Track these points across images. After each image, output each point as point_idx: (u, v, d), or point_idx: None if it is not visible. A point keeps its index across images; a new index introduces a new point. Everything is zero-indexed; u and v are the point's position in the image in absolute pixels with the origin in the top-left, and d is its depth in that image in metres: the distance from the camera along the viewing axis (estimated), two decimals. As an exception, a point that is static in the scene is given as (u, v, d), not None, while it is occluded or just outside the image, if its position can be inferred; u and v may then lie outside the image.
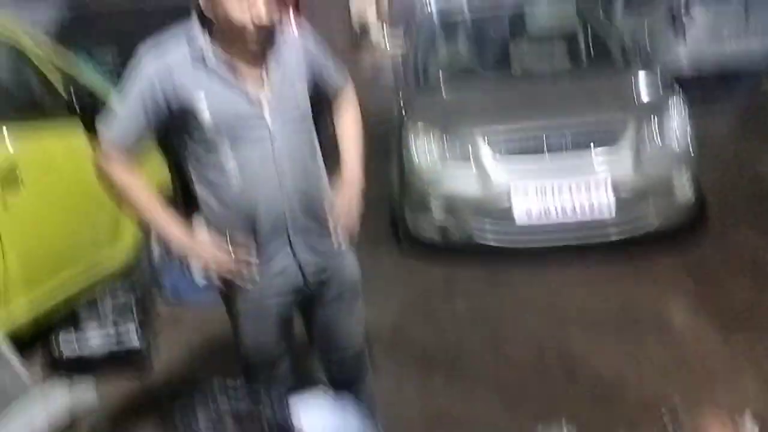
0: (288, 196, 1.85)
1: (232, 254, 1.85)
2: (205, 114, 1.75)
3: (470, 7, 6.16)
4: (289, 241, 1.89)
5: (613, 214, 3.88)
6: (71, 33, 5.53)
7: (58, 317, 3.16)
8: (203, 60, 1.76)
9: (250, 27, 1.72)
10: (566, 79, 4.88)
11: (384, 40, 23.10)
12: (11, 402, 2.46)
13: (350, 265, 2.08)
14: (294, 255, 1.91)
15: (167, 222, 1.86)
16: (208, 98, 1.76)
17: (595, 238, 3.97)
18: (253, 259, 1.87)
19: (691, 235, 4.14)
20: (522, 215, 3.89)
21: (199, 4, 1.76)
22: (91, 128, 3.08)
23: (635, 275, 3.88)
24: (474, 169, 3.96)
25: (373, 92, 7.78)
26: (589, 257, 4.06)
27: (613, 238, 3.97)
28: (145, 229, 3.57)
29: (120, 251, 3.51)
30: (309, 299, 2.03)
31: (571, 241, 3.96)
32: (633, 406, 2.73)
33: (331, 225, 1.97)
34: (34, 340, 3.11)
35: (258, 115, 1.80)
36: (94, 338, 3.11)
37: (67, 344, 3.05)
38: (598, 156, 3.92)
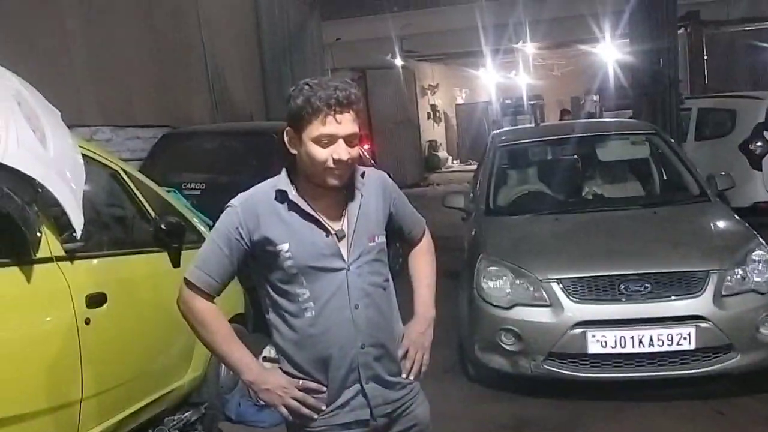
0: (359, 327, 1.89)
1: (299, 387, 1.89)
2: (284, 246, 1.85)
3: (540, 133, 6.31)
4: (358, 372, 1.91)
5: (693, 347, 3.68)
6: (163, 164, 5.96)
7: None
8: (285, 197, 1.89)
9: (331, 164, 1.83)
10: (640, 211, 4.79)
11: (454, 165, 23.77)
12: None
13: (421, 402, 2.07)
14: (362, 386, 1.92)
15: (240, 354, 1.93)
16: (288, 234, 1.86)
17: (674, 371, 3.75)
18: (322, 395, 1.90)
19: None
20: (596, 348, 3.74)
21: (291, 157, 1.90)
22: (177, 258, 3.24)
23: (721, 420, 3.65)
24: (548, 310, 3.84)
25: (443, 216, 7.92)
26: (671, 396, 3.85)
27: (694, 372, 3.75)
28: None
29: (191, 376, 3.56)
30: None
31: (649, 374, 3.77)
32: None
33: (401, 357, 2.00)
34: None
35: (334, 249, 1.89)
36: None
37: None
38: (678, 306, 3.74)
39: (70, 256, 2.77)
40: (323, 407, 1.90)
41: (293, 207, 1.88)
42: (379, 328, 1.94)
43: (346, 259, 1.89)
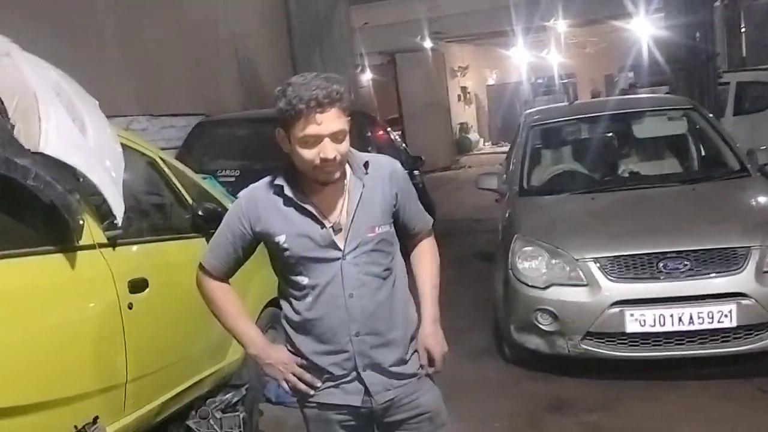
0: (352, 315, 1.96)
1: (298, 363, 2.02)
2: (283, 240, 1.95)
3: (574, 111, 6.22)
4: (354, 359, 1.98)
5: (735, 324, 3.63)
6: (198, 152, 6.04)
7: (169, 422, 3.27)
8: (282, 191, 1.97)
9: (318, 162, 1.87)
10: (678, 187, 4.71)
11: (485, 147, 23.59)
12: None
13: (428, 392, 2.10)
14: (358, 373, 1.99)
15: (246, 329, 2.11)
16: (285, 227, 1.95)
17: (714, 350, 3.71)
18: (315, 378, 2.00)
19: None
20: (635, 326, 3.70)
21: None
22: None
23: (763, 398, 3.59)
24: (585, 289, 3.81)
25: (476, 198, 7.88)
26: (710, 374, 3.81)
27: (734, 351, 3.70)
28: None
29: (231, 358, 3.62)
30: (385, 424, 2.08)
31: (688, 353, 3.73)
32: None
33: (421, 363, 2.06)
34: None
35: (330, 241, 1.95)
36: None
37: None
38: (719, 283, 3.68)
39: (112, 242, 2.83)
40: (318, 384, 2.00)
41: (289, 201, 1.95)
42: (376, 317, 1.98)
43: (342, 250, 1.94)
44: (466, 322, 5.03)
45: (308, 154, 1.85)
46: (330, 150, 1.84)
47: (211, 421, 3.30)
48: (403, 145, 9.85)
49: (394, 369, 2.02)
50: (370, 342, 1.98)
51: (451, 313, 5.10)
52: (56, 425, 2.49)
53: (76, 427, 2.52)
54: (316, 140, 1.84)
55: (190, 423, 3.30)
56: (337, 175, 1.92)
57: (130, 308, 2.81)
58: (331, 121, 1.83)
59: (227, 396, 3.51)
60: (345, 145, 1.89)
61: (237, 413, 3.39)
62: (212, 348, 3.50)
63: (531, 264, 4.03)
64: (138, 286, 2.88)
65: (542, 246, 4.04)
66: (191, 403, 3.38)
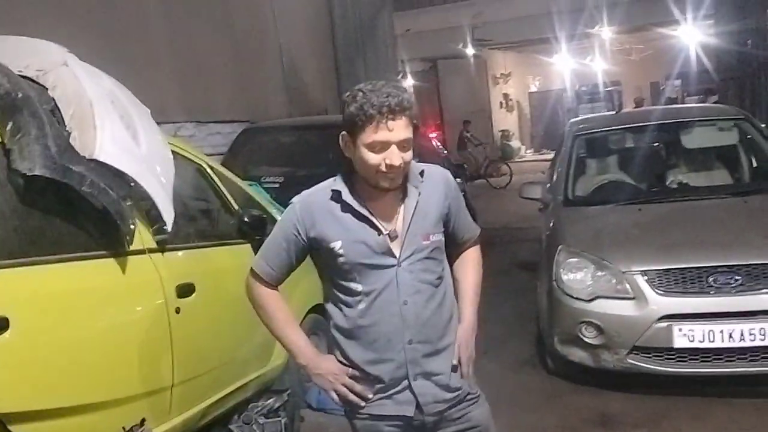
0: (407, 322, 1.95)
1: (348, 373, 1.99)
2: (338, 247, 1.94)
3: (620, 120, 6.11)
4: (406, 367, 1.97)
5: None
6: (243, 158, 6.12)
7: (212, 425, 3.31)
8: (339, 196, 1.96)
9: (383, 168, 1.87)
10: (728, 198, 4.59)
11: (527, 154, 23.38)
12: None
13: (479, 406, 2.10)
14: (409, 383, 1.98)
15: (296, 338, 2.08)
16: (341, 233, 1.95)
17: (766, 367, 3.59)
18: (367, 388, 1.98)
19: None
20: (683, 341, 3.61)
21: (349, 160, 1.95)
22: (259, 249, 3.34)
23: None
24: (631, 302, 3.73)
25: (518, 207, 7.81)
26: (762, 392, 3.69)
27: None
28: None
29: (273, 366, 3.65)
30: None
31: (739, 370, 3.62)
32: None
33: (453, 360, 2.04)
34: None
35: (386, 247, 1.95)
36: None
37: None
38: None
39: (161, 248, 2.89)
40: (370, 396, 1.98)
41: (347, 207, 1.95)
42: (429, 325, 1.98)
43: (397, 257, 1.94)
44: (508, 332, 4.99)
45: (374, 159, 1.86)
46: (396, 157, 1.86)
47: (254, 426, 3.33)
48: (445, 152, 9.83)
49: (444, 379, 2.01)
50: (422, 350, 1.97)
51: (493, 322, 5.12)
52: (105, 426, 2.55)
53: (123, 428, 2.58)
54: (383, 147, 1.85)
55: (233, 427, 3.34)
56: (399, 182, 1.93)
57: (178, 312, 2.86)
58: (401, 129, 1.85)
59: (269, 401, 3.54)
60: (409, 154, 1.90)
61: (279, 418, 3.42)
62: (256, 353, 3.54)
63: (576, 275, 3.97)
64: (185, 290, 2.93)
65: (587, 257, 3.97)
66: (234, 407, 3.42)
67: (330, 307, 2.05)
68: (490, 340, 4.90)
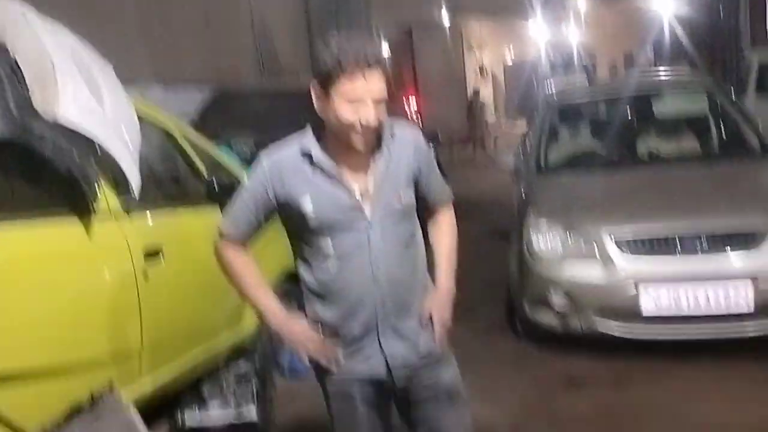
0: (380, 286, 1.94)
1: (321, 337, 1.98)
2: (308, 206, 1.91)
3: (594, 90, 6.14)
4: (377, 328, 1.96)
5: (752, 309, 3.60)
6: (213, 123, 6.04)
7: (183, 390, 3.30)
8: (310, 156, 1.92)
9: (358, 128, 1.83)
10: (697, 167, 4.67)
11: (501, 122, 23.43)
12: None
13: (447, 370, 2.10)
14: (380, 345, 1.98)
15: (267, 301, 2.04)
16: (312, 193, 1.91)
17: (730, 332, 3.68)
18: (339, 347, 1.98)
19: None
20: (650, 306, 3.68)
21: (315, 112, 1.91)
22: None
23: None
24: (599, 266, 3.79)
25: (490, 174, 7.84)
26: (722, 356, 3.78)
27: (751, 334, 3.66)
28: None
29: (243, 331, 3.65)
30: (405, 401, 2.07)
31: (704, 334, 3.70)
32: None
33: (423, 325, 2.03)
34: (160, 412, 3.25)
35: (357, 208, 1.92)
36: (216, 411, 3.21)
37: (191, 416, 3.15)
38: (736, 263, 3.65)
39: (127, 212, 2.84)
40: (340, 357, 1.97)
41: (317, 166, 1.91)
42: (400, 285, 1.97)
43: (368, 217, 1.92)
44: (479, 298, 5.04)
45: (349, 114, 1.81)
46: (372, 115, 1.81)
47: (225, 391, 3.32)
48: (419, 120, 9.79)
49: (414, 341, 2.00)
50: (393, 310, 1.96)
51: (465, 289, 5.08)
52: (73, 391, 2.52)
53: (92, 392, 2.56)
54: (359, 101, 1.79)
55: (203, 391, 3.32)
56: (371, 143, 1.89)
57: (145, 276, 2.83)
58: (377, 83, 1.80)
59: (241, 366, 3.54)
60: (384, 113, 1.86)
61: (250, 383, 3.42)
62: (226, 318, 3.52)
63: (546, 240, 4.01)
64: (153, 255, 2.90)
65: (558, 222, 4.01)
66: (205, 373, 3.41)
67: (301, 267, 2.02)
68: (461, 306, 4.93)
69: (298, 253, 2.03)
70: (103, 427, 2.52)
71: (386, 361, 1.98)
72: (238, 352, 3.71)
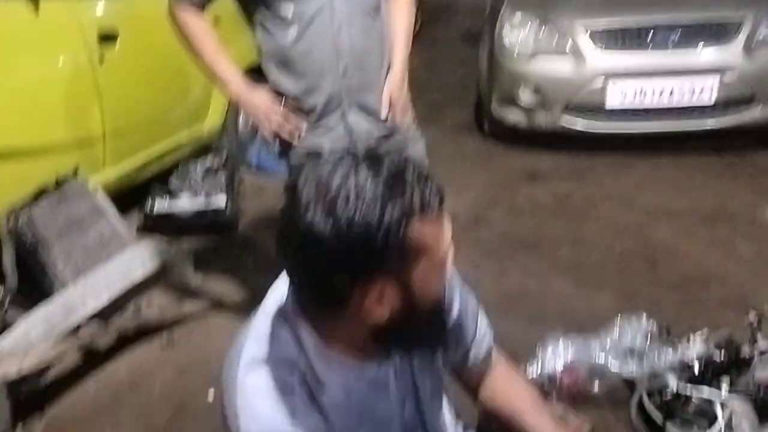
0: (341, 52, 1.86)
1: (283, 109, 1.92)
2: None
3: None
4: (341, 97, 1.91)
5: (713, 102, 3.65)
6: None
7: (152, 183, 3.33)
8: None
9: None
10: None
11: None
12: (111, 254, 2.63)
13: (413, 145, 2.08)
14: (343, 116, 1.93)
15: (228, 69, 1.93)
16: None
17: (690, 126, 3.75)
18: (302, 121, 1.93)
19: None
20: (615, 100, 3.70)
21: None
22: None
23: (731, 170, 3.72)
24: (571, 61, 3.73)
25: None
26: (681, 152, 3.89)
27: (710, 127, 3.74)
28: (233, 102, 3.72)
29: (209, 124, 3.62)
30: None
31: (665, 127, 3.77)
32: (716, 303, 2.66)
33: (382, 101, 1.97)
34: (130, 206, 3.30)
35: None
36: (184, 199, 3.26)
37: (160, 203, 3.20)
38: (706, 55, 3.62)
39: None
40: (303, 126, 1.93)
41: None
42: (364, 57, 1.90)
43: None
44: (448, 100, 5.01)
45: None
46: None
47: (191, 181, 3.35)
48: None
49: (378, 115, 1.97)
50: (357, 82, 1.90)
51: (435, 91, 5.11)
52: (37, 172, 2.53)
53: (57, 175, 2.56)
54: None
55: (172, 183, 3.35)
56: None
57: (102, 60, 2.73)
58: None
59: (209, 161, 3.55)
60: None
61: (218, 176, 3.45)
62: (189, 110, 3.48)
63: (519, 33, 3.91)
64: (108, 38, 2.78)
65: (533, 14, 3.89)
66: (173, 166, 3.42)
67: (260, 34, 1.92)
68: (429, 108, 4.92)
69: (258, 19, 1.91)
70: (69, 208, 2.56)
71: (350, 132, 1.96)
72: (206, 147, 3.71)
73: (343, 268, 0.90)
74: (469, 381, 1.32)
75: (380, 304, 0.93)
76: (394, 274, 0.92)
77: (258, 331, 1.04)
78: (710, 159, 3.85)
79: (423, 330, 1.01)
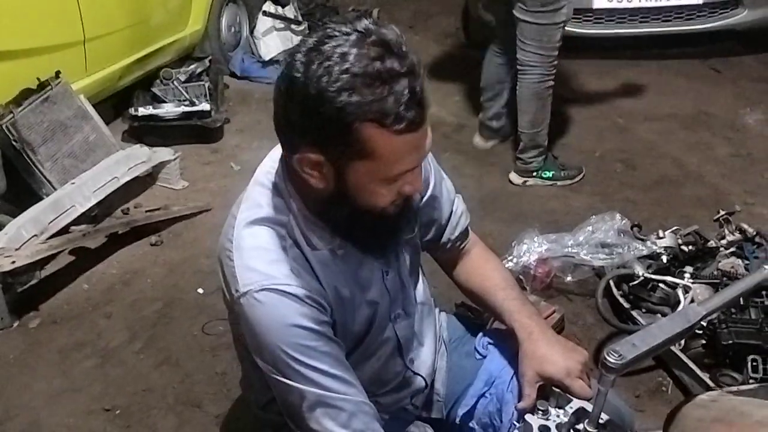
0: None
1: None
2: None
3: None
4: None
5: (701, 1, 3.62)
6: None
7: (135, 90, 3.32)
8: None
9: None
10: None
11: None
12: (97, 160, 2.67)
13: None
14: None
15: None
16: None
17: (678, 27, 3.72)
18: None
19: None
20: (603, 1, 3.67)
21: None
22: None
23: (714, 75, 3.74)
24: None
25: None
26: (667, 55, 3.89)
27: (697, 28, 3.72)
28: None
29: (191, 29, 3.57)
30: None
31: (652, 29, 3.75)
32: (690, 202, 2.74)
33: None
34: (115, 116, 3.30)
35: None
36: (169, 104, 3.26)
37: (144, 108, 3.20)
38: None
39: None
40: None
41: None
42: None
43: None
44: (435, 7, 4.93)
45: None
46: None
47: (174, 84, 3.34)
48: None
49: None
50: None
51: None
52: (19, 74, 2.53)
53: (39, 78, 2.56)
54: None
55: (155, 89, 3.34)
56: None
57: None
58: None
59: (191, 66, 3.52)
60: None
61: (202, 83, 3.43)
62: (171, 16, 3.43)
63: None
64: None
65: None
66: (156, 73, 3.39)
67: None
68: (416, 14, 4.86)
69: None
70: (54, 112, 2.57)
71: None
72: (188, 53, 3.68)
73: (297, 122, 0.94)
74: (446, 259, 1.37)
75: (315, 175, 0.98)
76: (330, 155, 0.95)
77: (251, 199, 1.09)
78: (694, 64, 3.86)
79: (365, 227, 1.06)
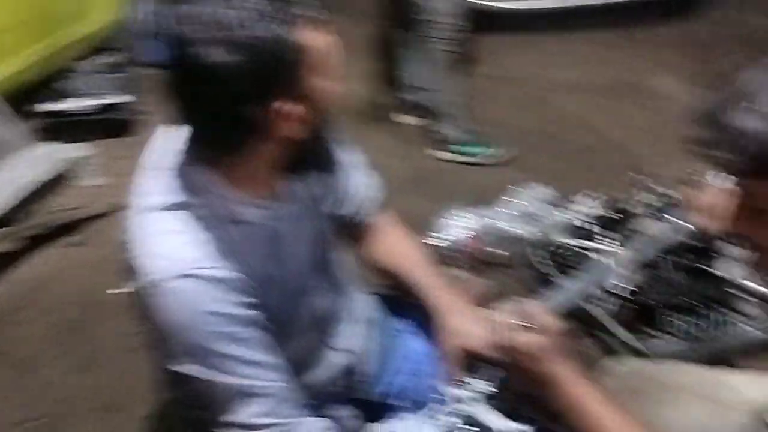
0: None
1: None
2: None
3: None
4: None
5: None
6: None
7: (42, 86, 3.17)
8: None
9: None
10: None
11: None
12: (11, 154, 2.54)
13: None
14: None
15: None
16: None
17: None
18: None
19: (697, 9, 4.00)
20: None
21: None
22: None
23: (633, 43, 3.82)
24: None
25: None
26: (587, 25, 3.95)
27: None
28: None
29: (100, 20, 3.43)
30: None
31: (573, 2, 3.81)
32: (611, 168, 2.79)
33: None
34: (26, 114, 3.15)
35: None
36: (83, 96, 3.15)
37: (56, 101, 3.08)
38: None
39: None
40: None
41: None
42: None
43: None
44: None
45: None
46: None
47: (85, 83, 3.22)
48: None
49: None
50: None
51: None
52: None
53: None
54: None
55: (66, 84, 3.19)
56: None
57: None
58: None
59: (105, 58, 3.40)
60: None
61: (117, 74, 3.32)
62: (76, 7, 3.28)
63: None
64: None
65: None
66: (67, 67, 3.25)
67: None
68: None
69: None
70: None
71: None
72: (101, 45, 3.53)
73: (244, 94, 0.91)
74: (356, 236, 1.34)
75: (288, 121, 0.95)
76: (293, 87, 0.94)
77: (148, 186, 1.04)
78: (615, 33, 3.93)
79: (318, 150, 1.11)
